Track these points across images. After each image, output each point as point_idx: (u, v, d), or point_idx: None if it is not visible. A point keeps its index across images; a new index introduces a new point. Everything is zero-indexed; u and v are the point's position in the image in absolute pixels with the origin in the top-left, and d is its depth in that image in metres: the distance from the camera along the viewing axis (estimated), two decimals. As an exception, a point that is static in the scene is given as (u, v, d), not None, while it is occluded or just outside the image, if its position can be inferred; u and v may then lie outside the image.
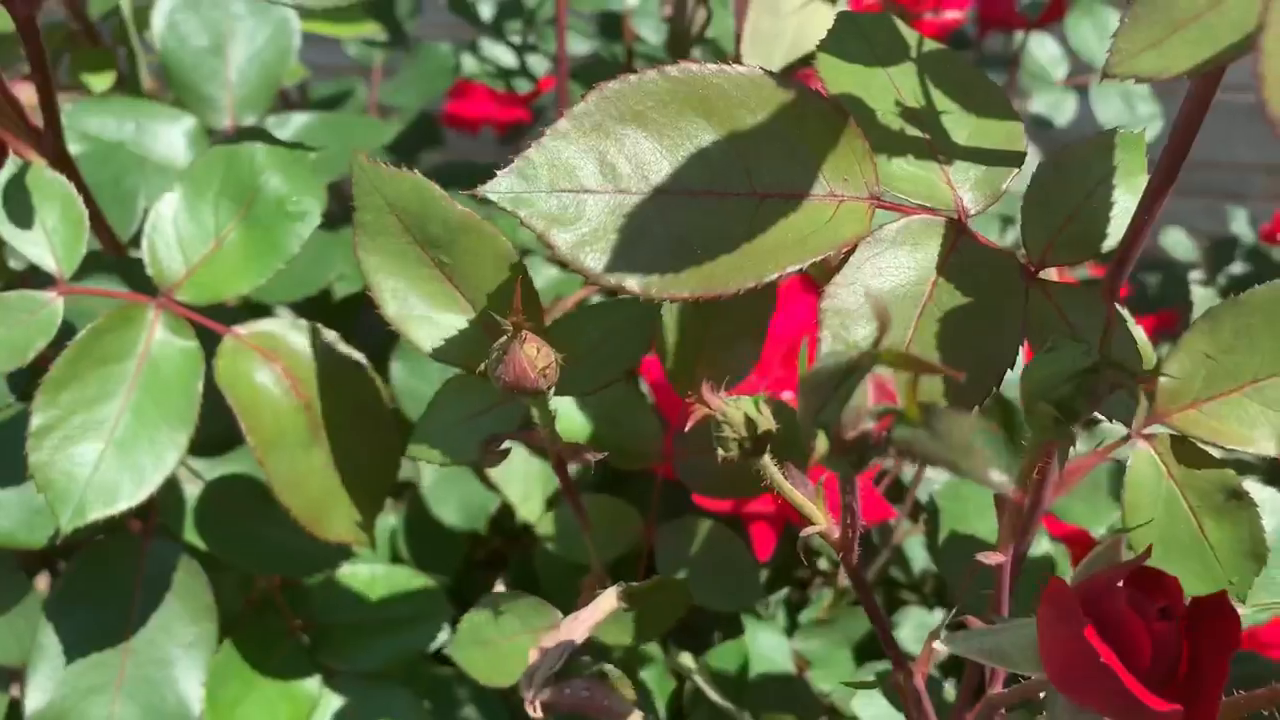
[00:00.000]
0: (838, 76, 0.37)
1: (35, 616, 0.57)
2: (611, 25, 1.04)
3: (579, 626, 0.42)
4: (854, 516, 0.33)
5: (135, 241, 0.59)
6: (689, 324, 0.51)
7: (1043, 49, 1.07)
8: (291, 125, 0.71)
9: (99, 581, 0.53)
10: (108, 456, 0.43)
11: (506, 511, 0.73)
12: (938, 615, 0.81)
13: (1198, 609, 0.30)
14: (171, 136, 0.68)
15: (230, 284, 0.46)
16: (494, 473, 0.73)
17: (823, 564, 0.84)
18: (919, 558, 0.80)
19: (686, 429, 0.53)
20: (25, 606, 0.57)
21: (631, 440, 0.54)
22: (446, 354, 0.40)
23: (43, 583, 0.68)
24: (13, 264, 0.59)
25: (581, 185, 0.33)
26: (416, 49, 1.03)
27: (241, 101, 0.69)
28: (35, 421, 0.43)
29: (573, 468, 0.77)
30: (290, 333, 0.47)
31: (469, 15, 0.99)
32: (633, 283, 0.32)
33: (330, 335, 0.47)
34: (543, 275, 0.78)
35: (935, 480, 0.73)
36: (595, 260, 0.32)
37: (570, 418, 0.56)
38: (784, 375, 0.64)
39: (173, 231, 0.47)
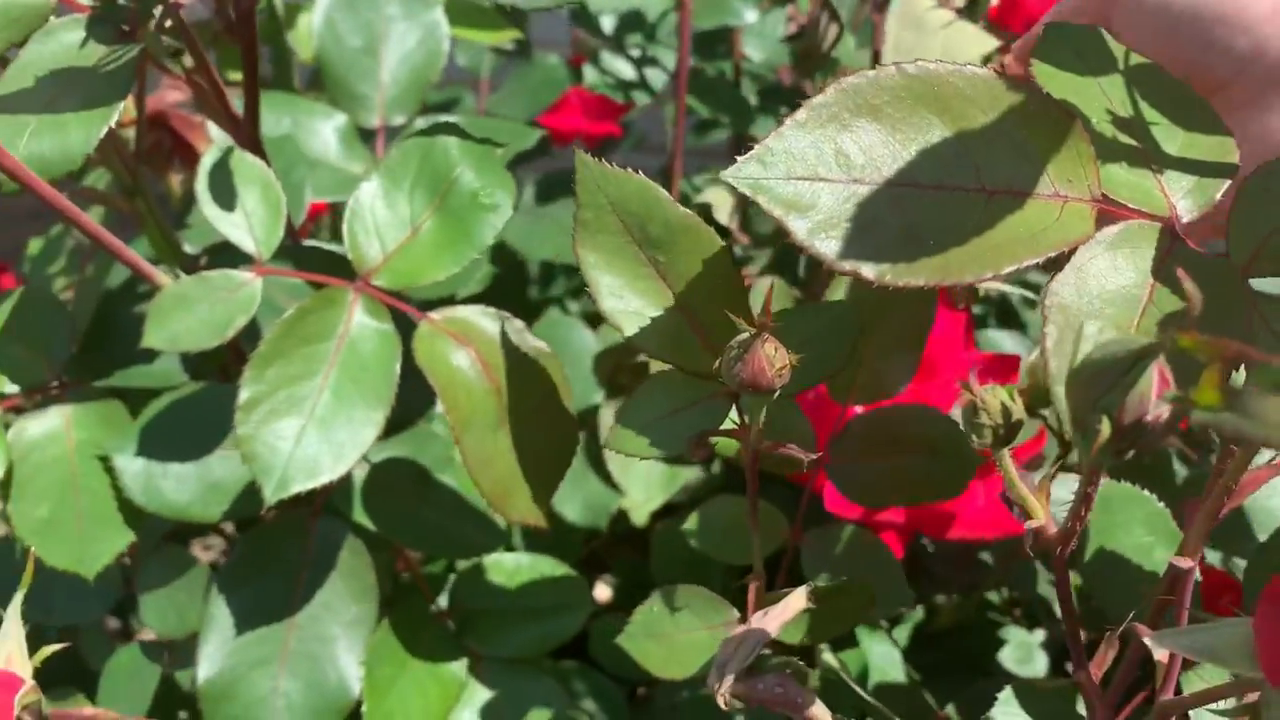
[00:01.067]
0: (1053, 84, 0.38)
1: (196, 590, 0.60)
2: (707, 43, 1.05)
3: (770, 623, 0.43)
4: (1087, 510, 0.34)
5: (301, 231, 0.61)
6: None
7: None
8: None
9: (269, 558, 0.55)
10: (309, 432, 0.45)
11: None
12: (1038, 635, 0.81)
13: None
14: (325, 133, 0.71)
15: (425, 271, 0.48)
16: (619, 474, 0.74)
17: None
18: (1039, 581, 0.80)
19: (841, 432, 0.56)
20: (187, 580, 0.59)
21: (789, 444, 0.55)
22: (654, 347, 0.42)
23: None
24: (186, 248, 0.61)
25: (817, 174, 0.34)
26: (525, 62, 1.05)
27: (392, 102, 0.72)
28: (243, 395, 0.45)
29: (694, 471, 0.79)
30: (481, 319, 0.48)
31: (591, 28, 1.01)
32: (868, 270, 0.34)
33: (518, 324, 0.48)
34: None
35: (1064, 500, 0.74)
36: (830, 246, 0.34)
37: (731, 421, 0.57)
38: (918, 388, 0.64)
39: (371, 219, 0.49)
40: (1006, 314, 0.92)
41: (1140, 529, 0.56)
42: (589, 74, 1.00)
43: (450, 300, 0.54)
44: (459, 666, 0.59)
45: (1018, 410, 0.32)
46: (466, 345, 0.47)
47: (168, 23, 0.46)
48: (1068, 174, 0.36)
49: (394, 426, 0.57)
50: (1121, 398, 0.26)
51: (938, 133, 0.35)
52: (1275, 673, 0.32)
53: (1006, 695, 0.57)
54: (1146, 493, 0.57)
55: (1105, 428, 0.27)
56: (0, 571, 0.60)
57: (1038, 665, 0.78)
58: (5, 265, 0.87)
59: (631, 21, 1.01)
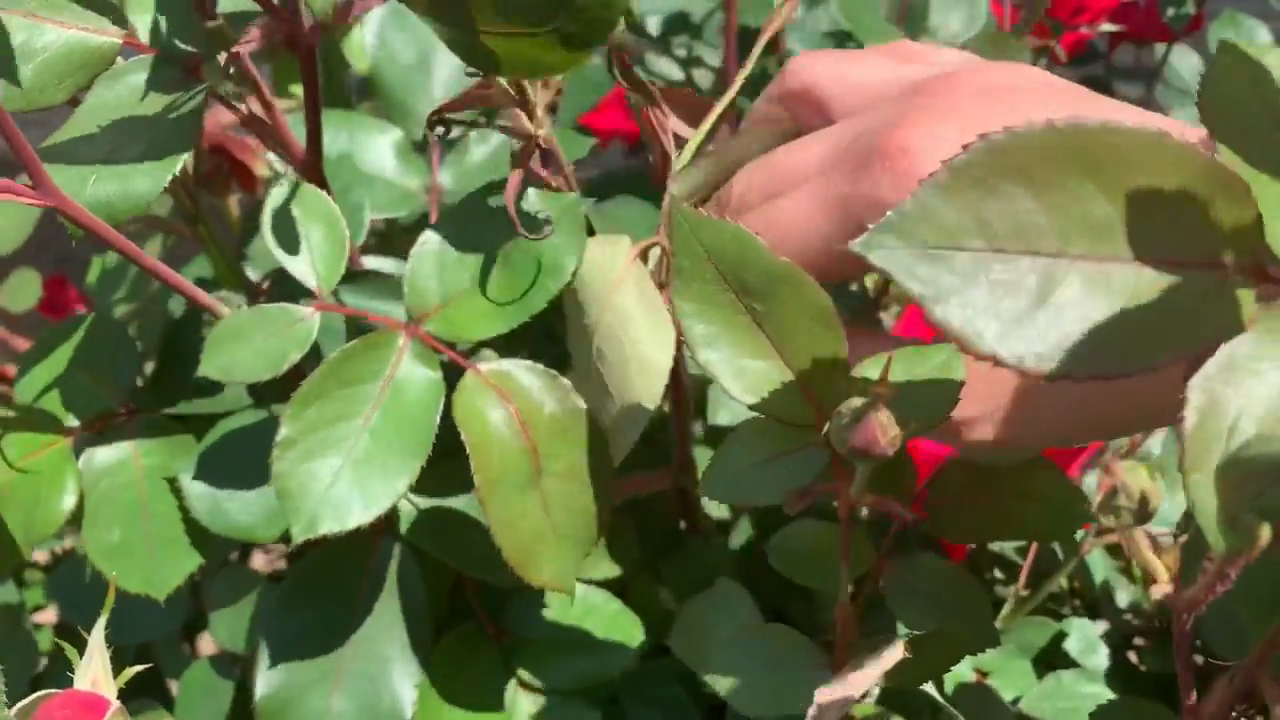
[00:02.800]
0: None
1: (259, 607, 0.61)
2: (752, 41, 1.03)
3: (864, 679, 0.42)
4: (1224, 584, 0.33)
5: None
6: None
7: (1185, 62, 1.04)
8: (494, 139, 0.73)
9: (329, 576, 0.55)
10: (343, 474, 0.44)
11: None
12: (1100, 625, 0.80)
13: None
14: (381, 148, 0.71)
15: (477, 327, 0.47)
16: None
17: (997, 573, 0.83)
18: (1099, 571, 0.79)
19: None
20: (253, 597, 0.61)
21: (887, 486, 0.54)
22: (753, 399, 0.41)
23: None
24: (249, 272, 0.62)
25: (958, 244, 0.30)
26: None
27: (445, 115, 0.71)
28: (282, 432, 0.44)
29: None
30: (525, 374, 0.47)
31: (638, 31, 1.00)
32: (1033, 363, 0.30)
33: (564, 381, 0.47)
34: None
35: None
36: (983, 332, 0.30)
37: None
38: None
39: (435, 264, 0.48)
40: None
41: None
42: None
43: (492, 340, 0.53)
44: (509, 697, 0.58)
45: (1156, 495, 0.32)
46: (508, 402, 0.46)
47: (232, 69, 0.46)
48: (1237, 250, 0.31)
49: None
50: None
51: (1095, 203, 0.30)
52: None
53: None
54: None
55: (1266, 532, 0.26)
56: (72, 591, 0.62)
57: (1100, 657, 0.76)
58: (63, 277, 0.89)
59: (677, 22, 1.00)
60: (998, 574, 0.86)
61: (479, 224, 0.48)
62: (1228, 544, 0.26)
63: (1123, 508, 0.31)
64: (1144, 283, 0.31)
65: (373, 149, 0.70)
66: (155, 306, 0.64)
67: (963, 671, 0.71)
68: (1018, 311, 0.30)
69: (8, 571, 0.50)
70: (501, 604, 0.61)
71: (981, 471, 0.52)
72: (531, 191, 0.48)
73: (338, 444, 0.45)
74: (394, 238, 0.81)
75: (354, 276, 0.57)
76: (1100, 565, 0.81)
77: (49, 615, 0.91)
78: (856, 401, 0.37)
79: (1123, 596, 0.84)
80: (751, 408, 0.41)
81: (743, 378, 0.41)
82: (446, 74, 0.71)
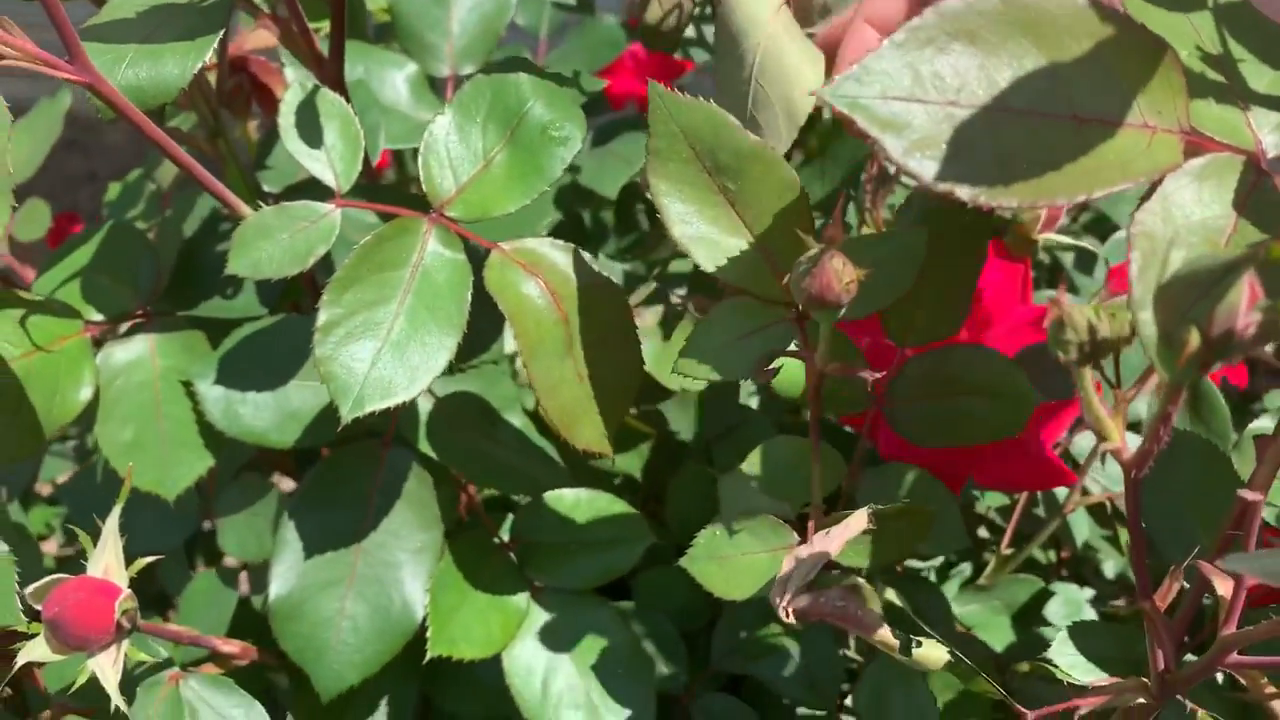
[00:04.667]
0: (1144, 17, 0.36)
1: (272, 516, 0.60)
2: None
3: (833, 541, 0.42)
4: (1166, 430, 0.33)
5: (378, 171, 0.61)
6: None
7: None
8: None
9: (340, 484, 0.55)
10: (384, 354, 0.45)
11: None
12: (1087, 592, 0.80)
13: None
14: (397, 81, 0.70)
15: (496, 203, 0.48)
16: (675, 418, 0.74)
17: (983, 532, 0.83)
18: (1082, 532, 0.79)
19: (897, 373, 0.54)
20: (264, 505, 0.59)
21: (851, 388, 0.54)
22: (726, 273, 0.41)
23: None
24: (265, 188, 0.61)
25: (913, 95, 0.33)
26: (583, 22, 1.04)
27: (461, 52, 0.71)
28: (321, 317, 0.45)
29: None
30: (551, 250, 0.47)
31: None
32: (963, 191, 0.32)
33: (587, 255, 0.47)
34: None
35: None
36: (926, 167, 0.33)
37: (791, 362, 0.56)
38: (975, 340, 0.63)
39: (444, 151, 0.48)
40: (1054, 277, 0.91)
41: (1194, 475, 0.54)
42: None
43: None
44: (521, 597, 0.58)
45: (1104, 328, 0.31)
46: (535, 275, 0.46)
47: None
48: (1158, 105, 0.34)
49: (461, 358, 0.57)
50: (1211, 308, 0.25)
51: (1032, 60, 0.34)
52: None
53: (1063, 637, 0.56)
54: (1209, 439, 0.56)
55: (1194, 338, 0.26)
56: (85, 497, 0.61)
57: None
58: (74, 213, 0.87)
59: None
60: (984, 534, 0.86)
61: (484, 106, 0.48)
62: (1165, 363, 0.28)
63: (1070, 341, 0.31)
64: (1081, 135, 0.34)
65: (389, 81, 0.70)
66: (171, 226, 0.63)
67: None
68: (970, 156, 0.33)
69: (29, 451, 0.48)
70: (512, 514, 0.60)
71: (937, 368, 0.53)
72: (522, 78, 0.47)
73: (376, 327, 0.45)
74: (406, 182, 0.81)
75: (373, 189, 0.57)
76: (1083, 527, 0.81)
77: (49, 547, 0.90)
78: (813, 251, 0.37)
79: (1110, 567, 0.84)
80: (723, 279, 0.42)
81: (716, 252, 0.42)
82: (465, 9, 0.71)
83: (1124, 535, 0.81)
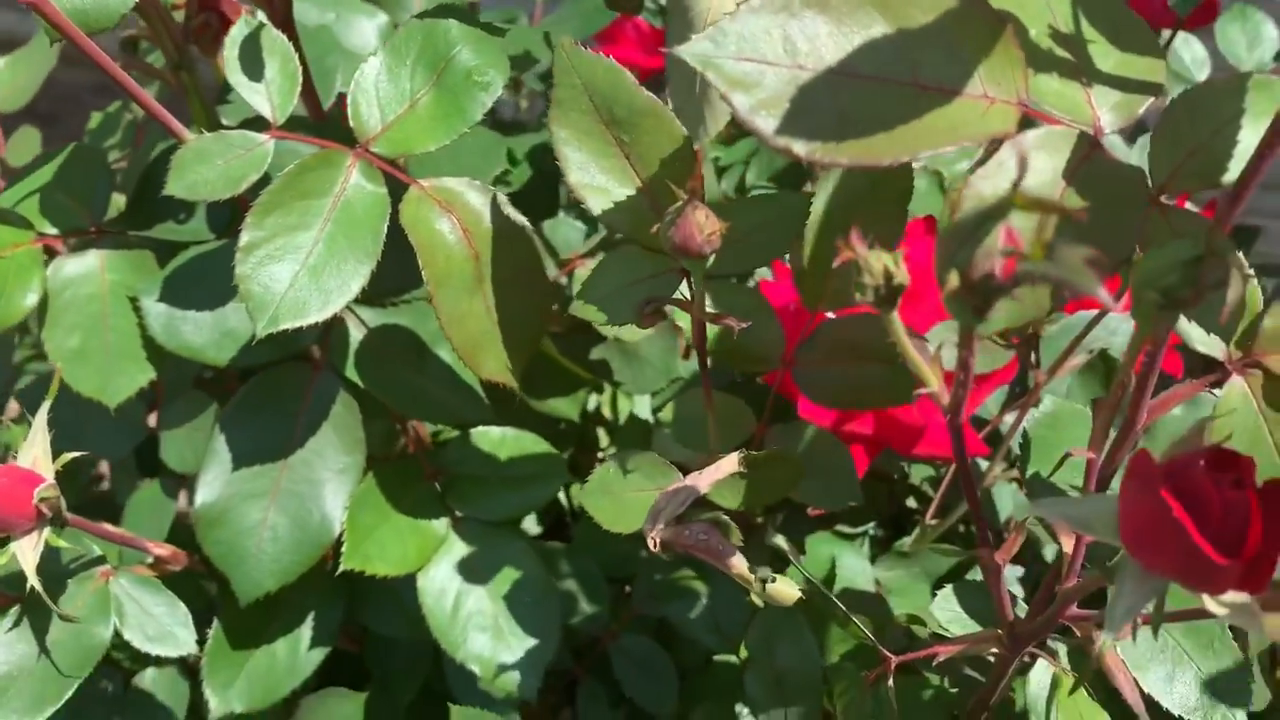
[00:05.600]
0: (1000, -5, 0.39)
1: (209, 431, 0.63)
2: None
3: (702, 480, 0.45)
4: (968, 375, 0.35)
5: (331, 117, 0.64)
6: (823, 242, 0.54)
7: (1189, 49, 1.06)
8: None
9: (269, 402, 0.58)
10: (301, 277, 0.48)
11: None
12: (1017, 570, 0.83)
13: (1270, 488, 0.32)
14: (365, 30, 0.73)
15: (420, 141, 0.51)
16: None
17: (911, 502, 0.86)
18: (1006, 506, 0.82)
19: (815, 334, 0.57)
20: (204, 420, 0.63)
21: (757, 345, 0.57)
22: (615, 221, 0.44)
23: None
24: (224, 121, 0.64)
25: (764, 57, 0.36)
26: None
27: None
28: (244, 238, 0.48)
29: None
30: (468, 190, 0.51)
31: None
32: (799, 146, 0.35)
33: (503, 198, 0.50)
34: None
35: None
36: (767, 123, 0.35)
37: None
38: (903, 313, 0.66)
39: (373, 91, 0.51)
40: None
41: (1078, 432, 0.57)
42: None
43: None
44: (440, 523, 0.62)
45: (901, 275, 0.34)
46: (450, 212, 0.50)
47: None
48: (997, 77, 0.37)
49: (393, 292, 0.60)
50: (970, 253, 0.28)
51: (879, 28, 0.37)
52: (1130, 541, 0.34)
53: (946, 593, 0.59)
54: (1082, 407, 0.59)
55: (953, 279, 0.29)
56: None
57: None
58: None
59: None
60: (912, 504, 0.88)
61: (414, 49, 0.51)
62: (949, 307, 0.31)
63: (866, 285, 0.33)
64: (920, 101, 0.36)
65: (357, 29, 0.73)
66: (141, 155, 0.66)
67: (864, 583, 0.74)
68: (812, 116, 0.35)
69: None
70: (439, 447, 0.63)
71: (844, 334, 0.56)
72: (451, 24, 0.50)
73: (296, 251, 0.49)
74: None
75: (315, 126, 0.60)
76: (1008, 501, 0.83)
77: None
78: (679, 203, 0.39)
79: (1050, 551, 0.86)
80: (611, 226, 0.45)
81: (607, 199, 0.45)
82: (439, -36, 0.74)
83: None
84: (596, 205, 0.44)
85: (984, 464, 0.78)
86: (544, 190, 0.91)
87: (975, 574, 0.78)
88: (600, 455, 0.86)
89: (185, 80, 0.63)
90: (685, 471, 0.69)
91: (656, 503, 0.45)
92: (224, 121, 0.65)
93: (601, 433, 0.86)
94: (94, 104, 0.88)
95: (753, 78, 0.36)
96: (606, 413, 0.85)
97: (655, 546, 0.45)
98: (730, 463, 0.47)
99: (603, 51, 1.02)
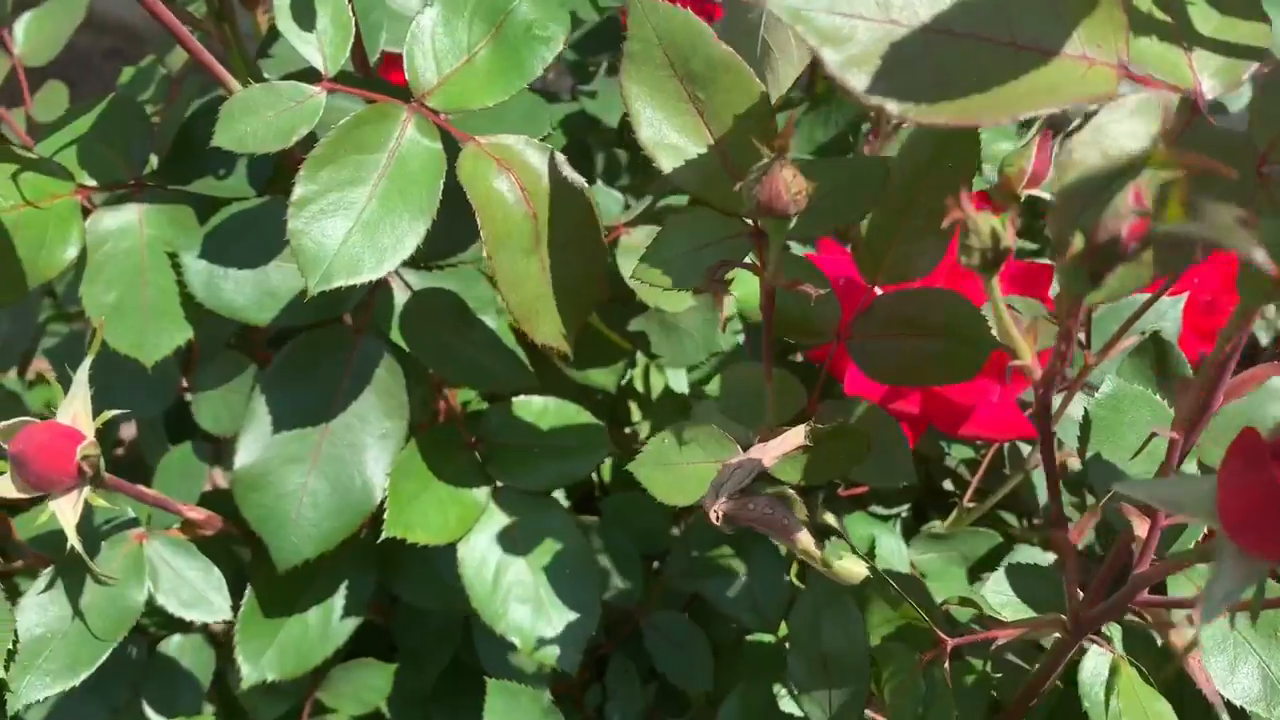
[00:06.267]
0: (1098, -46, 0.38)
1: (247, 393, 0.62)
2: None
3: (767, 453, 0.44)
4: (1069, 347, 0.34)
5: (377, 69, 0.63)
6: (883, 215, 0.53)
7: None
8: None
9: (312, 364, 0.57)
10: (355, 233, 0.47)
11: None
12: (1050, 557, 0.82)
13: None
14: (410, -14, 0.72)
15: (477, 96, 0.49)
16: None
17: (948, 484, 0.85)
18: (1044, 490, 0.80)
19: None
20: (240, 382, 0.62)
21: (814, 316, 0.56)
22: (687, 179, 0.43)
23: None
24: (265, 76, 0.63)
25: (857, 11, 0.35)
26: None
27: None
28: (297, 192, 0.47)
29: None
30: (526, 149, 0.49)
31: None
32: (892, 105, 0.34)
33: (560, 157, 0.49)
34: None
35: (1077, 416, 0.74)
36: (859, 80, 0.34)
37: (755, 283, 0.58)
38: (949, 285, 0.65)
39: (430, 43, 0.50)
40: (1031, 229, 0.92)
41: (1144, 429, 0.56)
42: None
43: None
44: (481, 493, 0.60)
45: (1006, 238, 0.33)
46: (508, 170, 0.48)
47: None
48: (1097, 38, 0.36)
49: (440, 256, 0.59)
50: (1097, 215, 0.27)
51: (977, -18, 0.35)
52: (1231, 522, 0.33)
53: (998, 576, 0.58)
54: (1156, 396, 0.57)
55: (1079, 242, 0.27)
56: (75, 359, 0.63)
57: None
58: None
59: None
60: (949, 486, 0.87)
61: (471, 1, 0.49)
62: (1063, 274, 0.29)
63: (974, 248, 0.32)
64: (1018, 61, 0.35)
65: (402, -14, 0.71)
66: (177, 109, 0.65)
67: (897, 564, 0.73)
68: (905, 73, 0.34)
69: (13, 299, 0.51)
70: (481, 416, 0.62)
71: (901, 308, 0.54)
72: None
73: (349, 207, 0.47)
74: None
75: (365, 81, 0.58)
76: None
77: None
78: (764, 160, 0.38)
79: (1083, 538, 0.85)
80: (684, 185, 0.44)
81: (679, 157, 0.43)
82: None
83: (1091, 500, 0.82)
84: (668, 163, 0.43)
85: (1025, 448, 0.77)
86: (579, 159, 0.90)
87: (1015, 557, 0.78)
88: (628, 430, 0.85)
89: (227, 32, 0.61)
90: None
91: (719, 475, 0.44)
92: (265, 76, 0.63)
93: (634, 407, 0.85)
94: (106, 69, 0.87)
95: (844, 32, 0.35)
96: (639, 386, 0.84)
97: (717, 520, 0.43)
98: (796, 436, 0.46)
99: (625, 17, 1.02)
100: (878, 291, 0.58)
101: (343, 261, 0.46)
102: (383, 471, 0.57)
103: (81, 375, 0.49)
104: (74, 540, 0.48)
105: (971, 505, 0.78)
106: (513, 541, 0.60)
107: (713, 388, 0.62)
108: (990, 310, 0.35)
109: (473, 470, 0.61)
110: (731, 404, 0.61)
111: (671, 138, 0.43)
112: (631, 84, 0.42)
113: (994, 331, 0.38)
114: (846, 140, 0.82)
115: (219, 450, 0.66)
